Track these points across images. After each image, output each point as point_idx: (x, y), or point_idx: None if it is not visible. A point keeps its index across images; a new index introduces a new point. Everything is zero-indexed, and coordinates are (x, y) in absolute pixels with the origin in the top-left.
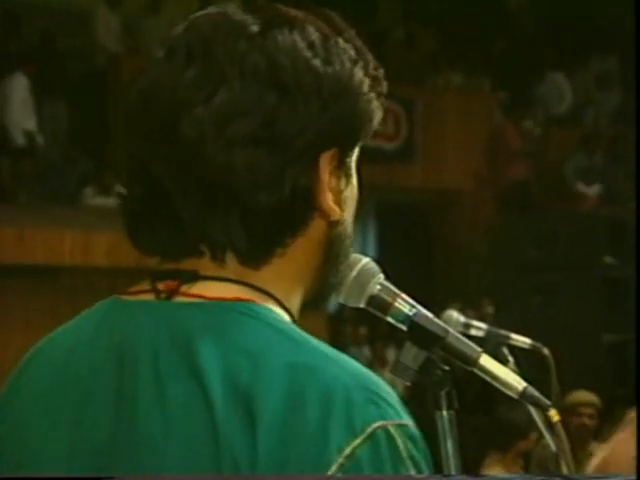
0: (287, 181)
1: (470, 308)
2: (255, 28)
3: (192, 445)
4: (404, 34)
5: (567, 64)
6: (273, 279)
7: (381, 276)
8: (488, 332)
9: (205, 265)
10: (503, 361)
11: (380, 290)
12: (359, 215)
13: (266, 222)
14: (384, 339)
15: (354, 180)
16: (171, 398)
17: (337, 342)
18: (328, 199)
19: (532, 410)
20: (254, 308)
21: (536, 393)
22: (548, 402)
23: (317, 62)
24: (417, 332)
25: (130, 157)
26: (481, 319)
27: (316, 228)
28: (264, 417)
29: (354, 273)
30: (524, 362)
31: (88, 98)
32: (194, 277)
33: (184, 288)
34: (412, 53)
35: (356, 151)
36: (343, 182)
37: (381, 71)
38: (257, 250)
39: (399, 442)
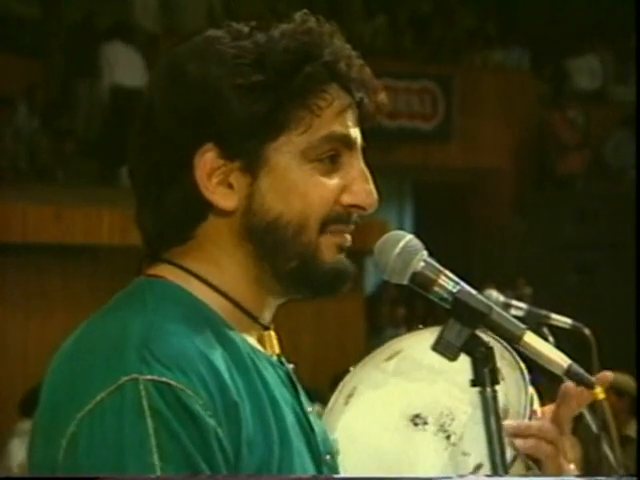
0: (165, 179)
1: (508, 288)
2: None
3: None
4: (442, 12)
5: (603, 42)
6: (199, 262)
7: (425, 253)
8: (528, 312)
9: (174, 251)
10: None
11: (424, 267)
12: (396, 196)
13: (163, 213)
14: (421, 321)
15: (292, 176)
16: None
17: (374, 323)
18: (210, 192)
19: None
20: (152, 281)
21: (581, 370)
22: (593, 379)
23: (185, 63)
24: (461, 309)
25: None
26: (519, 299)
27: (221, 218)
28: (53, 365)
29: (397, 250)
30: (564, 342)
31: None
32: (153, 259)
33: (144, 267)
34: (449, 31)
35: (285, 145)
36: (244, 175)
37: (288, 67)
38: (162, 237)
39: (143, 393)
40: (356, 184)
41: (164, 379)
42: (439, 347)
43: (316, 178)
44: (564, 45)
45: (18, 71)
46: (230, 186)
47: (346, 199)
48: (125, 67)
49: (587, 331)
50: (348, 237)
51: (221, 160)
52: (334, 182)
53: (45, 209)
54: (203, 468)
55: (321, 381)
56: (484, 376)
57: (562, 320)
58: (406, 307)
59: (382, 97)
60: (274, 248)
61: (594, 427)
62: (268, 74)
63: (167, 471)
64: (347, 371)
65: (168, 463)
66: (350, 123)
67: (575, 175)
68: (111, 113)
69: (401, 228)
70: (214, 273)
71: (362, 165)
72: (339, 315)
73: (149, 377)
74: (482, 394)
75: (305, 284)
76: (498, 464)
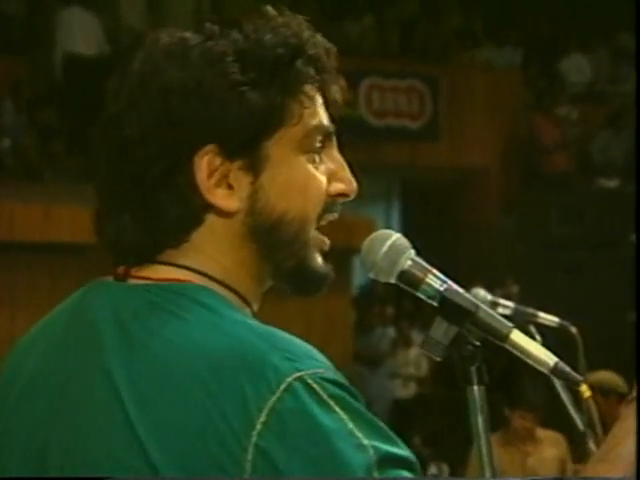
0: (154, 185)
1: (496, 287)
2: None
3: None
4: (429, 11)
5: (591, 41)
6: (208, 263)
7: (412, 252)
8: (515, 310)
9: (168, 253)
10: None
11: (411, 266)
12: (383, 195)
13: (155, 220)
14: (410, 319)
15: (290, 171)
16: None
17: (363, 322)
18: (212, 194)
19: (559, 388)
20: (188, 287)
21: (567, 368)
22: (580, 377)
23: (168, 68)
24: (448, 307)
25: None
26: (506, 297)
27: (220, 219)
28: (177, 392)
29: (385, 249)
30: (551, 341)
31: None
32: (142, 261)
33: (135, 271)
34: (437, 30)
35: (281, 143)
36: (246, 175)
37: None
38: (155, 243)
39: (316, 387)
40: (339, 172)
41: (318, 370)
42: (426, 345)
43: (310, 171)
44: (552, 44)
45: (3, 68)
46: (230, 187)
47: (334, 188)
48: (81, 35)
49: (574, 330)
50: (327, 241)
51: (220, 161)
52: (322, 173)
53: (33, 207)
54: (395, 438)
55: None
56: (472, 374)
57: (549, 318)
58: (394, 306)
59: (344, 84)
60: (278, 246)
61: (580, 424)
62: (261, 70)
63: (379, 449)
64: None
65: (374, 441)
66: (325, 111)
67: (563, 174)
68: (63, 84)
69: (388, 227)
70: (220, 272)
71: (338, 153)
72: (327, 314)
73: (308, 371)
74: (470, 392)
75: (296, 283)
76: (485, 464)
